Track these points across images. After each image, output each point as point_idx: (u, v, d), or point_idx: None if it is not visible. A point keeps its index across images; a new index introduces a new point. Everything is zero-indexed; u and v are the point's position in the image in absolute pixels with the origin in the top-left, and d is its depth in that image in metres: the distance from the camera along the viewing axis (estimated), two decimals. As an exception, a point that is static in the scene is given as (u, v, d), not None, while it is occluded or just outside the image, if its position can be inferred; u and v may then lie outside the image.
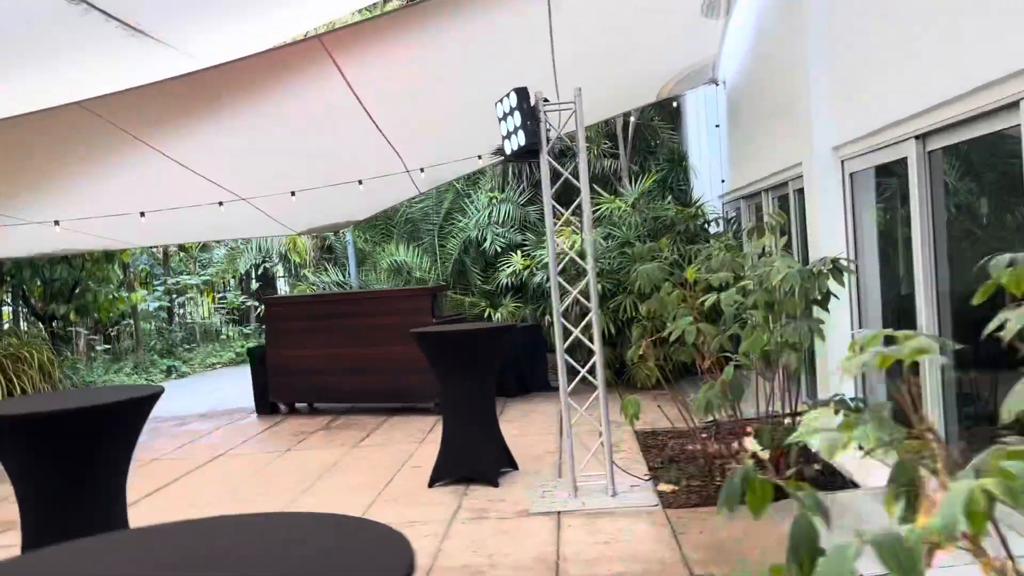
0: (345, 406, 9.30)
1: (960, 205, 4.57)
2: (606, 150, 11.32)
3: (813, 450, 4.83)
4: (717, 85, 9.27)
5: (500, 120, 5.11)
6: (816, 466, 5.33)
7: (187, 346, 16.28)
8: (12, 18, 5.04)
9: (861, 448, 4.50)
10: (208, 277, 17.18)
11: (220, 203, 7.96)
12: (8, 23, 5.08)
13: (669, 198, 10.46)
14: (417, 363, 8.46)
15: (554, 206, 5.17)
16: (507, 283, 10.92)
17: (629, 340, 9.02)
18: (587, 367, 5.30)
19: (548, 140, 5.03)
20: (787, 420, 5.25)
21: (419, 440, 7.28)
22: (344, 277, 12.49)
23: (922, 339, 2.05)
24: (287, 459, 6.97)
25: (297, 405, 9.49)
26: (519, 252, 11.03)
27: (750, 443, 4.57)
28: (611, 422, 6.64)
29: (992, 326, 1.48)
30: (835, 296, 4.90)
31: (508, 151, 5.09)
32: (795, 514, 2.07)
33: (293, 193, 8.21)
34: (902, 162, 4.70)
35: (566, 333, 5.27)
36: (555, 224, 5.15)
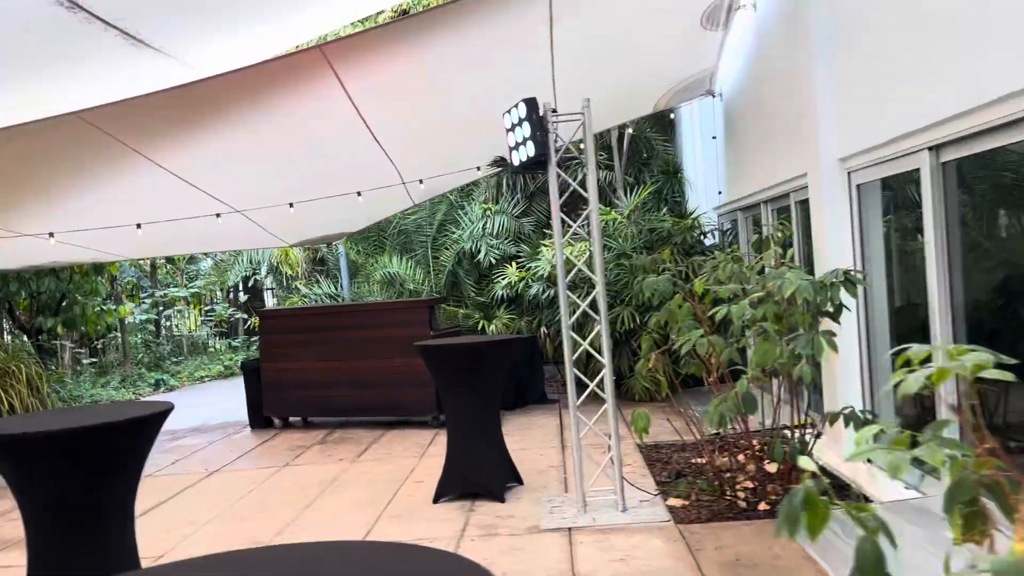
0: (340, 420, 9.19)
1: (974, 216, 4.55)
2: (601, 161, 11.30)
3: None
4: (714, 97, 9.27)
5: (508, 131, 5.06)
6: (826, 480, 5.28)
7: (175, 359, 16.09)
8: (9, 26, 4.94)
9: (870, 461, 4.42)
10: (196, 289, 16.99)
11: (218, 215, 7.85)
12: (5, 31, 4.98)
13: (664, 210, 10.45)
14: (414, 376, 8.40)
15: (563, 218, 5.10)
16: (502, 295, 10.87)
17: (627, 352, 9.01)
18: (596, 380, 5.24)
19: (557, 151, 4.98)
20: (792, 432, 5.20)
21: (419, 454, 7.18)
22: (336, 289, 12.38)
23: (980, 353, 2.00)
24: (285, 475, 6.84)
25: (291, 419, 9.36)
26: (514, 264, 10.98)
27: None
28: (608, 436, 6.61)
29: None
30: (847, 308, 4.87)
31: (516, 162, 5.04)
32: (858, 536, 2.00)
33: (291, 205, 8.12)
34: (914, 173, 4.68)
35: (574, 345, 5.20)
36: (561, 234, 5.08)
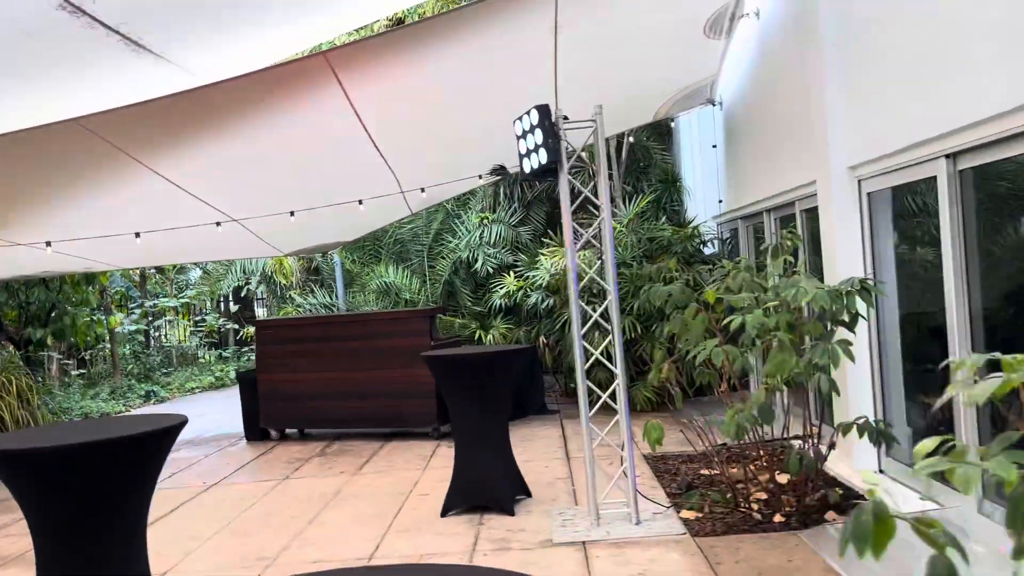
0: (337, 431, 9.07)
1: (992, 223, 4.52)
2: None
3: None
4: (714, 105, 9.25)
5: (519, 138, 4.99)
6: (838, 491, 5.23)
7: (165, 370, 15.89)
8: (10, 30, 4.84)
9: (881, 471, 4.34)
10: (187, 299, 16.81)
11: (218, 223, 7.74)
12: (6, 35, 4.88)
13: (663, 219, 10.41)
14: (415, 387, 8.31)
15: (575, 227, 5.04)
16: (500, 304, 10.79)
17: (629, 362, 8.94)
18: (608, 391, 5.16)
19: (569, 158, 4.92)
20: (805, 443, 5.14)
21: (421, 467, 7.08)
22: (331, 299, 12.26)
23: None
24: (286, 488, 6.72)
25: (287, 431, 9.23)
26: (511, 273, 10.91)
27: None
28: (619, 447, 6.53)
29: None
30: (862, 317, 4.82)
31: (528, 169, 4.97)
32: (931, 553, 1.93)
33: (292, 213, 8.02)
34: (929, 181, 4.65)
35: (586, 354, 5.13)
36: (573, 242, 5.02)
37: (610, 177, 11.29)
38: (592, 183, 5.10)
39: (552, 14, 6.21)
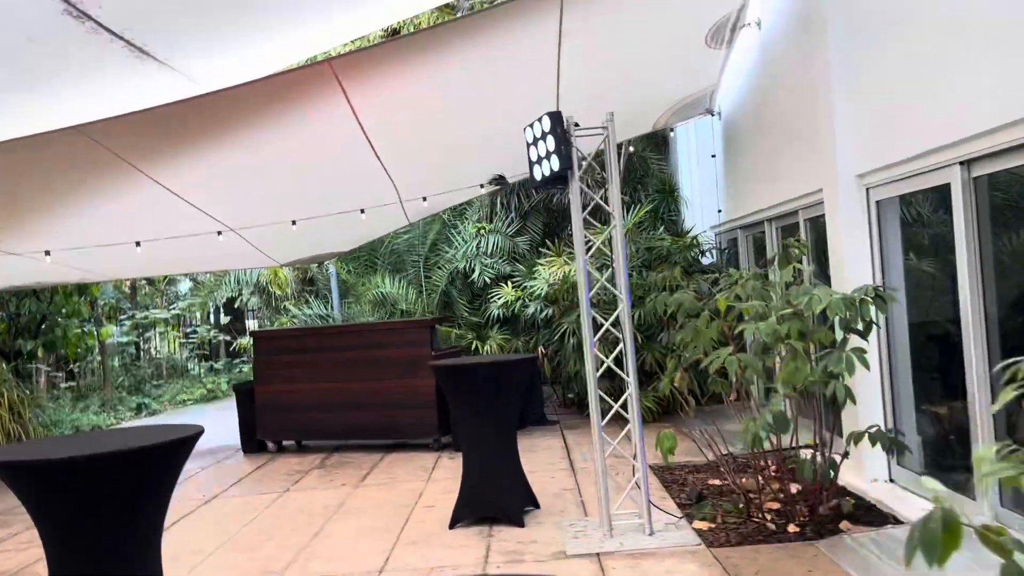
0: (335, 443, 8.97)
1: (1007, 229, 4.51)
2: (598, 178, 11.23)
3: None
4: (713, 115, 9.26)
5: (530, 145, 4.95)
6: (851, 500, 5.19)
7: (155, 382, 15.72)
8: (13, 34, 4.77)
9: (892, 481, 4.28)
10: (178, 311, 16.66)
11: (219, 232, 7.65)
12: (8, 39, 4.80)
13: (661, 228, 10.40)
14: (415, 398, 8.23)
15: (586, 236, 4.99)
16: (498, 315, 10.73)
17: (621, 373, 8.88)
18: (620, 401, 5.11)
19: (581, 166, 4.88)
20: (817, 452, 5.10)
21: (424, 478, 6.99)
22: (327, 310, 12.17)
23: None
24: (287, 500, 6.62)
25: (284, 443, 9.12)
26: (509, 283, 10.86)
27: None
28: (625, 458, 6.47)
29: None
30: (876, 325, 4.80)
31: (539, 176, 4.93)
32: (1003, 562, 1.87)
33: (294, 222, 7.94)
34: (941, 189, 4.64)
35: (596, 361, 5.07)
36: (584, 250, 4.97)
37: (585, 187, 11.27)
38: (602, 191, 5.06)
39: (557, 23, 6.19)
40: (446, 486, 6.58)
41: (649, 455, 5.92)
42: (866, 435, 4.81)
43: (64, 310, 12.16)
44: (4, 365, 11.63)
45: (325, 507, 6.27)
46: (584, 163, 4.94)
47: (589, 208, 5.10)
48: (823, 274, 6.26)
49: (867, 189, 5.58)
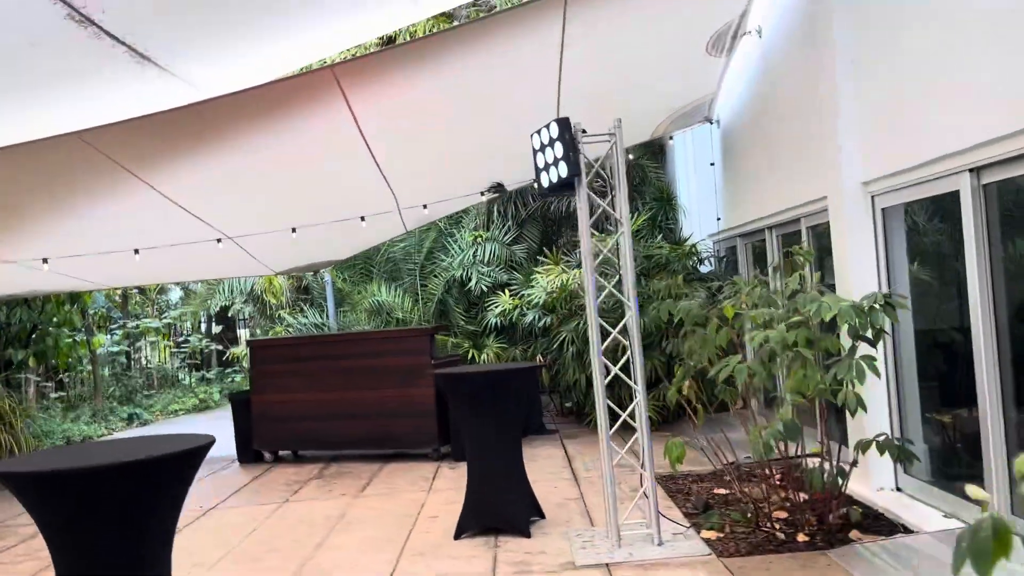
0: (332, 453, 8.88)
1: (1017, 236, 4.50)
2: (596, 188, 11.22)
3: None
4: (711, 123, 9.26)
5: (536, 151, 4.92)
6: (858, 509, 5.16)
7: (146, 392, 15.56)
8: (16, 39, 4.71)
9: (899, 489, 4.25)
10: (170, 320, 16.52)
11: (218, 240, 7.57)
12: (10, 44, 4.74)
13: (659, 236, 10.39)
14: (414, 407, 8.16)
15: (596, 245, 4.96)
16: (496, 323, 10.68)
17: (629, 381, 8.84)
18: (628, 410, 5.07)
19: (588, 172, 4.85)
20: (824, 461, 5.07)
21: (426, 488, 6.92)
22: (322, 318, 12.09)
23: None
24: (287, 511, 6.54)
25: (280, 453, 9.03)
26: (506, 291, 10.82)
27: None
28: (627, 467, 6.43)
29: None
30: (886, 332, 4.78)
31: (546, 183, 4.90)
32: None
33: (294, 230, 7.88)
34: (952, 196, 4.63)
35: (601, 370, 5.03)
36: (592, 258, 4.94)
37: (605, 195, 11.26)
38: (609, 198, 5.03)
39: (560, 31, 6.17)
40: (448, 496, 6.52)
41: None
42: (874, 443, 4.80)
43: (55, 319, 12.04)
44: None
45: (326, 518, 6.19)
46: (592, 171, 4.91)
47: (598, 214, 5.06)
48: (824, 281, 6.25)
49: (872, 196, 5.58)
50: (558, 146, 4.72)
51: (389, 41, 11.87)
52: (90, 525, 2.54)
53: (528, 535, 5.21)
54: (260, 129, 6.54)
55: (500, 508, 5.30)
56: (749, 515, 5.12)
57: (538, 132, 4.88)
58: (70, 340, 12.45)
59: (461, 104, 7.15)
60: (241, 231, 8.17)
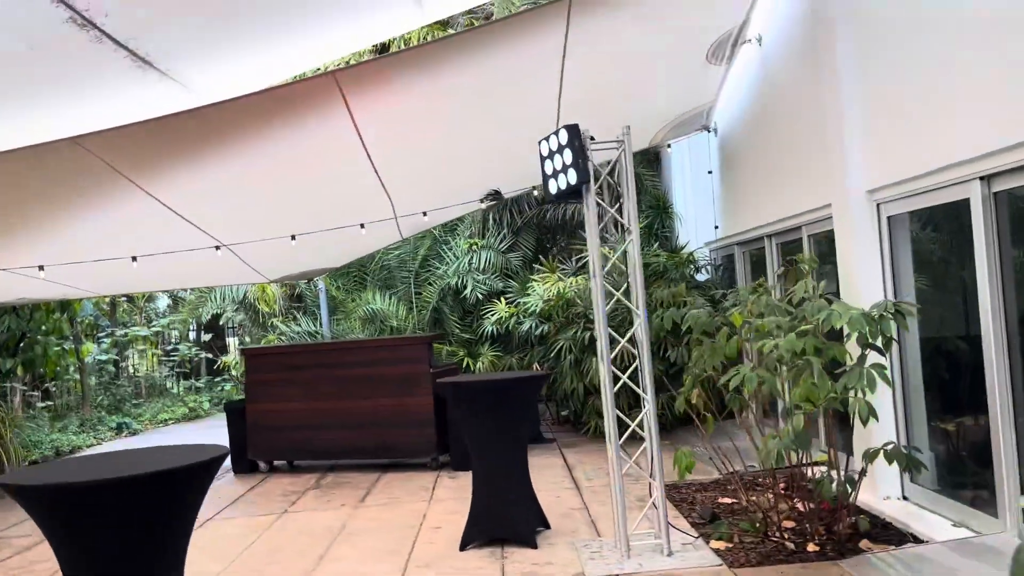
0: (329, 463, 8.79)
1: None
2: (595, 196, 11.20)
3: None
4: (709, 131, 9.27)
5: (545, 158, 4.89)
6: (865, 518, 5.13)
7: (135, 401, 15.38)
8: (15, 43, 4.63)
9: (906, 498, 4.22)
10: (159, 328, 16.35)
11: (217, 247, 7.49)
12: (10, 48, 4.67)
13: (656, 244, 10.37)
14: (412, 416, 8.09)
15: (599, 251, 4.92)
16: (492, 332, 10.63)
17: (630, 390, 8.80)
18: (637, 420, 5.03)
19: (597, 179, 4.82)
20: (835, 470, 5.04)
21: (426, 498, 6.85)
22: (315, 326, 11.99)
23: None
24: (287, 522, 6.45)
25: (275, 463, 8.93)
26: (502, 299, 10.77)
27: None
28: (629, 475, 6.38)
29: None
30: (895, 340, 4.77)
31: (554, 190, 4.86)
32: None
33: (293, 237, 7.81)
34: (962, 204, 4.62)
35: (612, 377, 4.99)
36: (600, 265, 4.90)
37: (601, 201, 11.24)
38: (617, 204, 5.00)
39: (562, 39, 6.16)
40: (450, 506, 6.45)
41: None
42: (881, 452, 4.78)
43: (44, 327, 11.87)
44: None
45: (327, 529, 6.11)
46: (600, 178, 4.88)
47: (606, 221, 5.03)
48: (827, 289, 6.23)
49: (878, 205, 5.58)
50: (567, 153, 4.69)
51: (383, 49, 11.84)
52: (102, 538, 2.47)
53: (535, 546, 5.16)
54: (261, 135, 6.48)
55: (506, 519, 5.24)
56: (758, 525, 5.09)
57: (546, 139, 4.85)
58: (59, 348, 12.28)
59: (460, 111, 7.12)
60: (239, 239, 8.08)
